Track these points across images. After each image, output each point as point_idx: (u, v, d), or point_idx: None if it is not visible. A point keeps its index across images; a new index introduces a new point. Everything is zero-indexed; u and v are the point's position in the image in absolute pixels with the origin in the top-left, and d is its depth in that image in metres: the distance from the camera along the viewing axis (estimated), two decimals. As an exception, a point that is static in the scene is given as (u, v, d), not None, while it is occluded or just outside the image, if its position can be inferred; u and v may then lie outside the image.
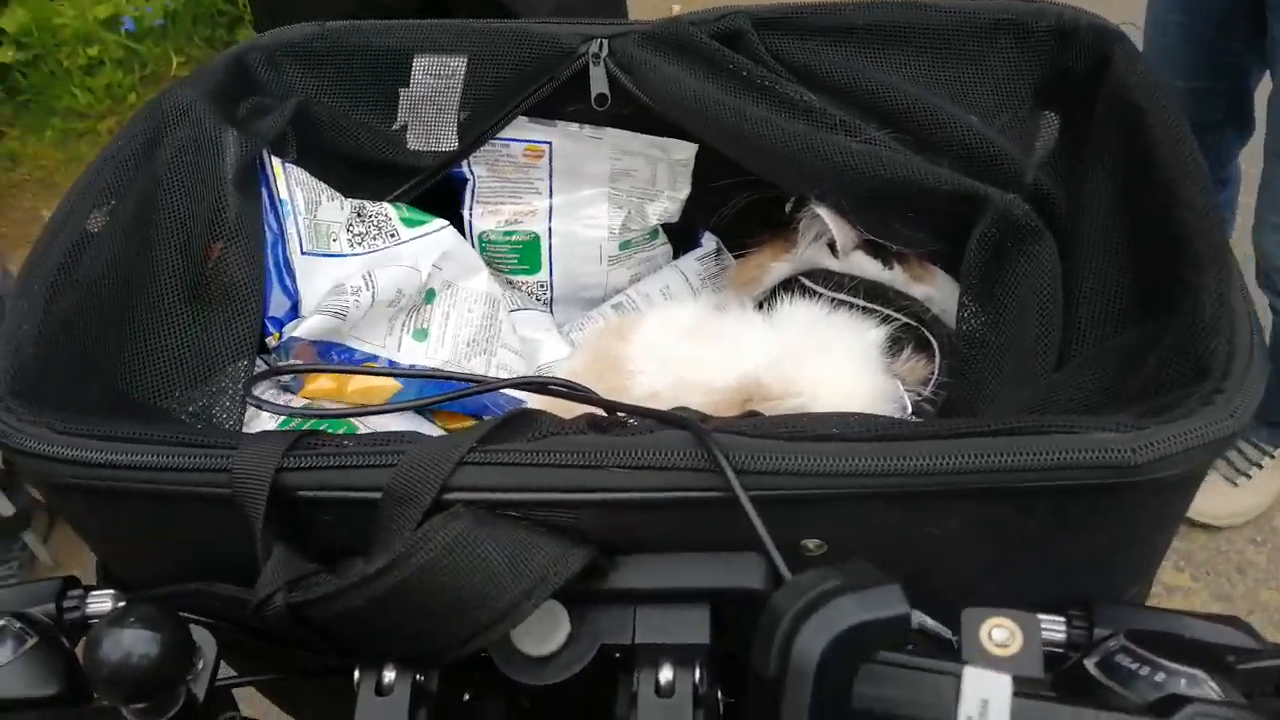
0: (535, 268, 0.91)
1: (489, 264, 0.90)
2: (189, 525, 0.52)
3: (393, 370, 0.71)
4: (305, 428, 0.56)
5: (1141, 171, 0.63)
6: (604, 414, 0.54)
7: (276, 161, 0.75)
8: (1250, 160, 1.46)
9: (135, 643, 0.42)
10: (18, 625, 0.49)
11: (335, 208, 0.77)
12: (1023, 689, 0.36)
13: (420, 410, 0.76)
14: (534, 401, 0.70)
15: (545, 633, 0.50)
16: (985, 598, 0.50)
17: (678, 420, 0.50)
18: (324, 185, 0.78)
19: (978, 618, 0.45)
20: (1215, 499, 1.57)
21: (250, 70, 0.78)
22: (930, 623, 0.47)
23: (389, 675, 0.49)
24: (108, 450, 0.50)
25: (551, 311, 0.93)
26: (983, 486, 0.47)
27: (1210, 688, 0.44)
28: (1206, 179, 0.59)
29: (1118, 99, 0.67)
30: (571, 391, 0.56)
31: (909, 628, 0.35)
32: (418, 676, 0.49)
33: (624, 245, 0.91)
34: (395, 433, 0.52)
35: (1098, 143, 0.68)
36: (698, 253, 0.95)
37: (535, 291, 0.92)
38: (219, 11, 3.26)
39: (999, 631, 0.45)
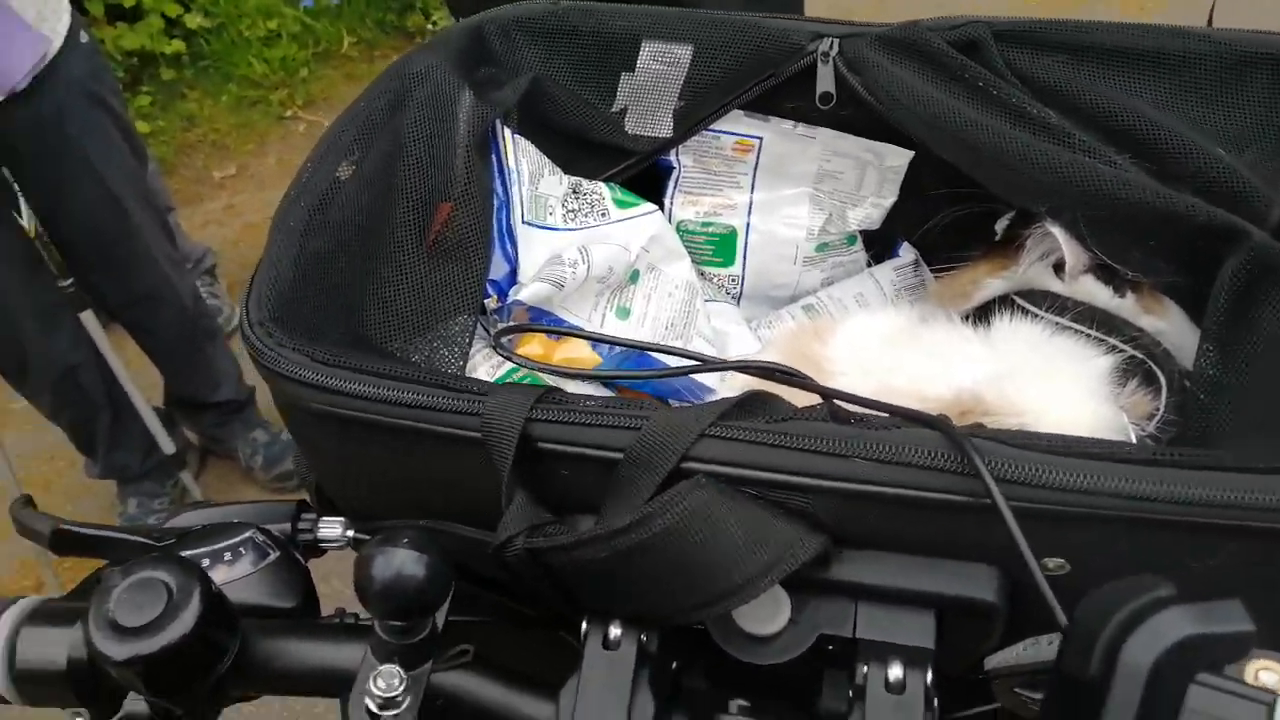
0: (729, 261, 0.90)
1: (684, 252, 0.90)
2: (430, 464, 0.53)
3: (618, 339, 0.72)
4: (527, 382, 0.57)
5: None
6: (844, 406, 0.54)
7: (507, 131, 0.77)
8: None
9: (406, 562, 0.44)
10: (261, 538, 0.51)
11: (555, 182, 0.79)
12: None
13: (609, 386, 0.77)
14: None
15: (768, 614, 0.50)
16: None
17: (927, 419, 0.49)
18: (545, 158, 0.79)
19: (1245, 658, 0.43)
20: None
21: (486, 40, 0.81)
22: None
23: (615, 631, 0.49)
24: (366, 383, 0.51)
25: (739, 305, 0.92)
26: (1256, 525, 0.44)
27: None
28: None
29: None
30: (797, 379, 0.55)
31: (1253, 644, 0.33)
32: (642, 636, 0.49)
33: (820, 247, 0.90)
34: (629, 399, 0.52)
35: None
36: (895, 262, 0.93)
37: (726, 285, 0.91)
38: (393, -5, 3.38)
39: (1266, 675, 0.43)
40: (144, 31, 3.05)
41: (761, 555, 0.46)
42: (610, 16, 0.82)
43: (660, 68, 0.82)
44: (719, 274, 0.91)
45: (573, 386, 0.73)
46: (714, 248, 0.90)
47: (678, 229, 0.90)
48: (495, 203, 0.74)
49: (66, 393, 1.71)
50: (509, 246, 0.73)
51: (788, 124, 0.85)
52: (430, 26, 3.31)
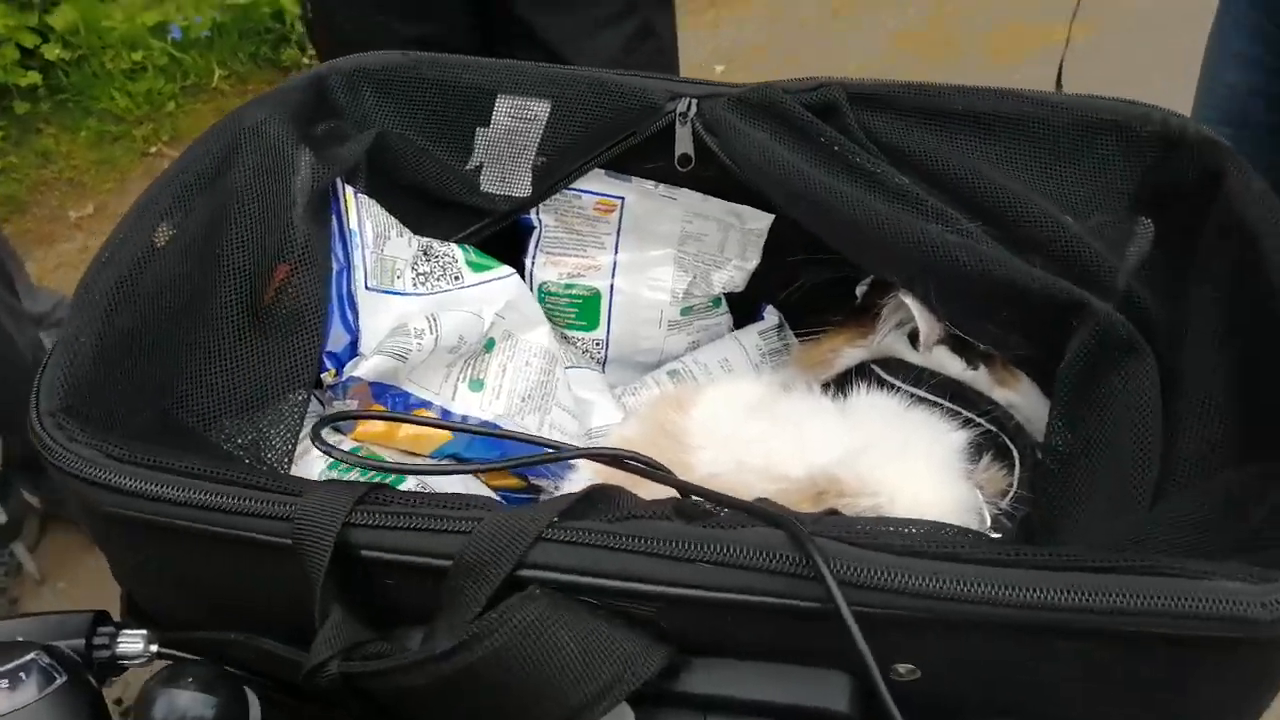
0: (593, 324, 0.88)
1: (547, 316, 0.87)
2: (238, 571, 0.48)
3: (464, 426, 0.68)
4: (363, 478, 0.53)
5: (1254, 298, 0.60)
6: (682, 496, 0.51)
7: (349, 190, 0.72)
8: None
9: (191, 707, 0.39)
10: (46, 660, 0.45)
11: (403, 244, 0.75)
12: None
13: (461, 461, 0.73)
14: (591, 474, 0.67)
15: (608, 733, 0.46)
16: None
17: (773, 517, 0.46)
18: (393, 219, 0.75)
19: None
20: None
21: (329, 92, 0.76)
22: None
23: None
24: (164, 483, 0.46)
25: (604, 371, 0.89)
26: (1094, 627, 0.43)
27: None
28: None
29: (1229, 218, 0.64)
30: (648, 469, 0.53)
31: None
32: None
33: (685, 310, 0.89)
34: (462, 495, 0.49)
35: (1205, 261, 0.66)
36: (759, 326, 0.92)
37: (590, 349, 0.89)
38: (266, 29, 3.28)
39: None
40: (-3, 63, 2.87)
41: (601, 674, 0.43)
42: (464, 69, 0.79)
43: (516, 123, 0.79)
44: (583, 338, 0.89)
45: (418, 464, 0.69)
46: (577, 310, 0.88)
47: (540, 291, 0.87)
48: (335, 267, 0.69)
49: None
50: (349, 315, 0.69)
51: (649, 184, 0.83)
52: (306, 61, 3.22)
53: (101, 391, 0.53)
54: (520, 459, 0.53)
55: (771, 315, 0.93)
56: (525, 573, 0.45)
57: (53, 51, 3.00)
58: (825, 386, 0.77)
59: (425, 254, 0.76)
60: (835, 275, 0.84)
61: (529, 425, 0.75)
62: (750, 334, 0.92)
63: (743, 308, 0.94)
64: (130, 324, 0.57)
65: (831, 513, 0.59)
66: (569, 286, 0.87)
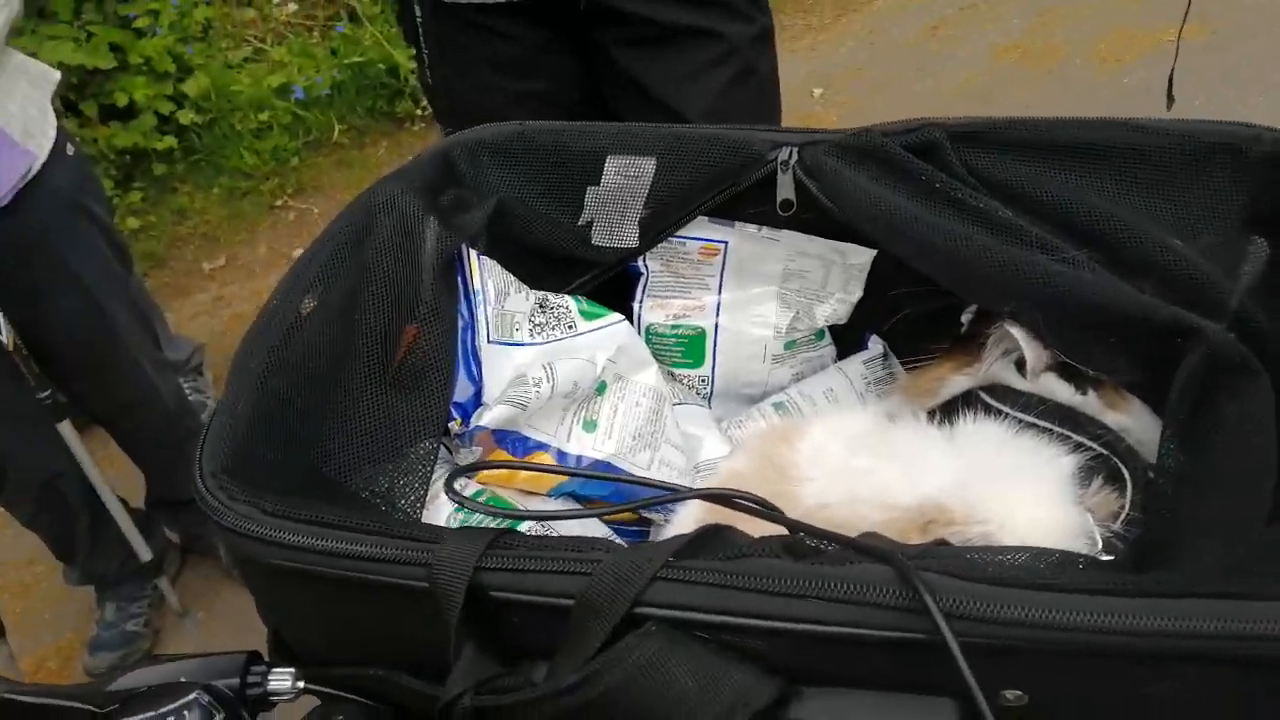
0: (699, 362, 0.91)
1: (654, 356, 0.91)
2: (379, 613, 0.53)
3: (577, 470, 0.72)
4: (489, 524, 0.57)
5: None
6: (790, 533, 0.53)
7: (473, 253, 0.78)
8: None
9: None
10: (206, 699, 0.50)
11: (521, 299, 0.79)
12: None
13: (579, 499, 0.77)
14: (700, 508, 0.70)
15: (725, 764, 0.48)
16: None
17: (879, 553, 0.48)
18: (512, 276, 0.80)
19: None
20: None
21: (454, 165, 0.82)
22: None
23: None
24: (314, 535, 0.51)
25: (710, 406, 0.92)
26: (1207, 652, 0.44)
27: None
28: None
29: None
30: (759, 509, 0.55)
31: None
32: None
33: (789, 345, 0.91)
34: (587, 539, 0.52)
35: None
36: (863, 355, 0.93)
37: (696, 385, 0.92)
38: (381, 84, 3.44)
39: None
40: (136, 130, 3.10)
41: (716, 705, 0.46)
42: (575, 135, 0.83)
43: (625, 181, 0.83)
44: (689, 375, 0.92)
45: (537, 503, 0.73)
46: (683, 349, 0.91)
47: (647, 332, 0.90)
48: (460, 325, 0.74)
49: (45, 500, 1.70)
50: (474, 368, 0.74)
51: (752, 228, 0.86)
52: (419, 112, 3.36)
53: (257, 452, 0.58)
54: (638, 502, 0.56)
55: (876, 345, 0.94)
56: (642, 610, 0.48)
57: (187, 116, 3.23)
58: (931, 415, 0.78)
59: (541, 306, 0.80)
60: (939, 305, 0.85)
61: (640, 461, 0.78)
62: (855, 364, 0.93)
63: (847, 338, 0.95)
64: (281, 388, 0.63)
65: (940, 543, 0.60)
66: (675, 327, 0.90)
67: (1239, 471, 0.61)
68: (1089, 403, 0.72)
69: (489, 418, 0.71)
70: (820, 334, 0.93)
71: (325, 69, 3.43)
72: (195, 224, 3.08)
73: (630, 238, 0.84)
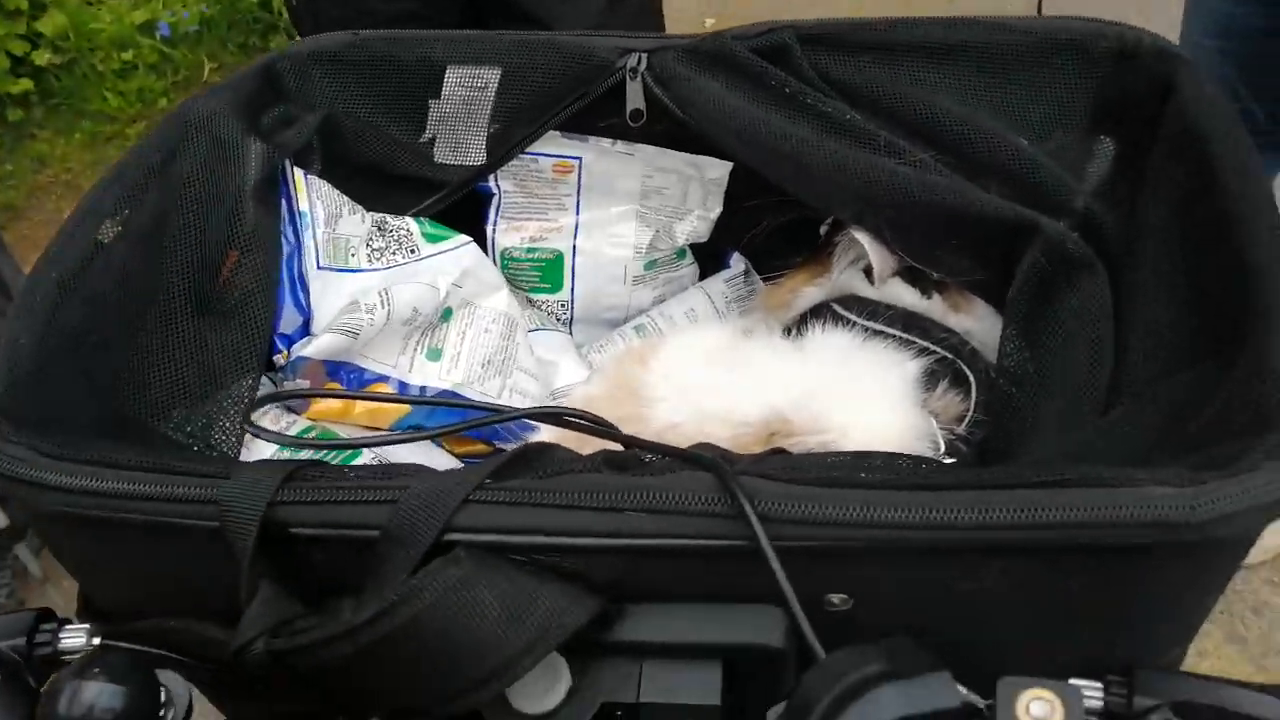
0: (557, 286, 0.88)
1: (509, 281, 0.87)
2: (176, 557, 0.49)
3: (400, 397, 0.69)
4: (311, 450, 0.53)
5: (1205, 204, 0.59)
6: (621, 448, 0.51)
7: (298, 172, 0.73)
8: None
9: (98, 696, 0.40)
10: (-15, 659, 0.46)
11: (356, 221, 0.75)
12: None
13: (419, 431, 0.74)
14: (550, 433, 0.67)
15: (543, 688, 0.47)
16: (1020, 659, 0.47)
17: (701, 460, 0.47)
18: (346, 198, 0.75)
19: (1014, 688, 0.41)
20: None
21: (279, 79, 0.76)
22: (961, 690, 0.44)
23: (376, 731, 0.46)
24: (92, 476, 0.47)
25: (571, 332, 0.90)
26: (1023, 542, 0.43)
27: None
28: (1275, 214, 0.55)
29: (1181, 126, 0.63)
30: (589, 424, 0.53)
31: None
32: (408, 732, 0.46)
33: (649, 265, 0.88)
34: (398, 465, 0.49)
35: (1158, 171, 0.64)
36: (725, 274, 0.92)
37: (555, 310, 0.89)
38: (254, 19, 3.27)
39: (1038, 705, 0.41)
40: (-14, 73, 2.89)
41: (524, 630, 0.44)
42: (411, 44, 0.78)
43: (467, 93, 0.79)
44: (548, 300, 0.89)
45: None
46: (541, 274, 0.87)
47: (502, 257, 0.86)
48: (285, 250, 0.70)
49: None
50: (301, 296, 0.69)
51: (606, 142, 0.83)
52: (295, 47, 3.21)
53: (42, 391, 0.53)
54: (457, 425, 0.53)
55: (738, 262, 0.92)
56: (455, 536, 0.45)
57: (43, 57, 3.02)
58: (788, 329, 0.77)
59: (379, 229, 0.76)
60: (799, 217, 0.83)
61: (490, 390, 0.75)
62: (716, 282, 0.91)
63: (711, 258, 0.93)
64: (74, 321, 0.57)
65: (776, 451, 0.59)
66: (531, 250, 0.86)
67: (1076, 365, 0.61)
68: (934, 307, 0.72)
69: (313, 347, 0.66)
70: (681, 253, 0.90)
71: (192, 3, 3.25)
72: (56, 172, 2.90)
73: (477, 154, 0.80)
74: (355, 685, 0.45)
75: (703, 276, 0.93)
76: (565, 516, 0.45)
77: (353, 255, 0.74)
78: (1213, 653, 1.44)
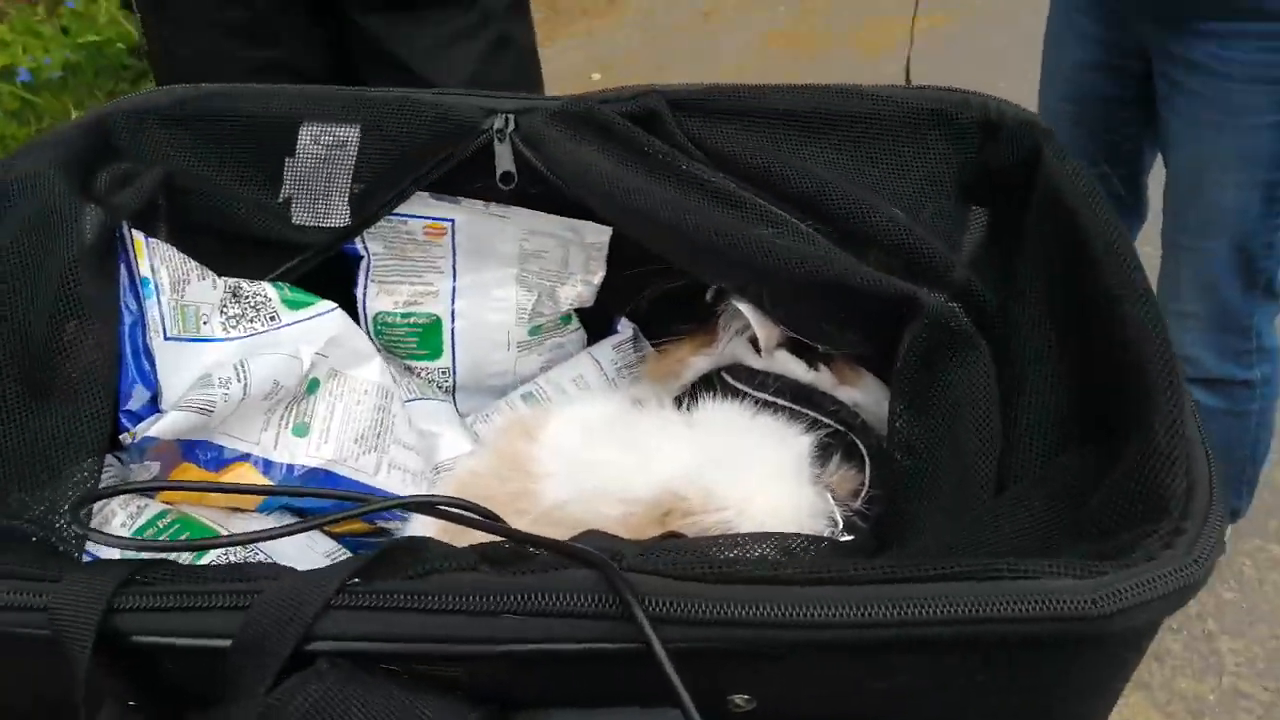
0: (436, 353, 0.84)
1: (386, 349, 0.83)
2: (14, 668, 0.43)
3: (258, 488, 0.63)
4: (155, 552, 0.48)
5: (1079, 279, 0.60)
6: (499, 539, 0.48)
7: (138, 235, 0.67)
8: (1144, 240, 1.48)
9: None
10: None
11: (207, 287, 0.69)
12: None
13: (298, 514, 0.68)
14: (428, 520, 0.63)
15: (427, 808, 0.42)
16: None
17: (585, 556, 0.43)
18: (193, 262, 0.70)
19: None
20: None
21: (112, 135, 0.71)
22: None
23: None
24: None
25: (455, 401, 0.85)
26: (933, 638, 0.41)
27: None
28: (1148, 288, 0.56)
29: (1049, 199, 0.64)
30: (466, 515, 0.49)
31: None
32: None
33: (534, 330, 0.85)
34: (254, 565, 0.44)
35: (1031, 245, 0.65)
36: (614, 340, 0.89)
37: (436, 379, 0.84)
38: (123, 66, 3.14)
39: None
40: None
41: (399, 749, 0.39)
42: (258, 98, 0.74)
43: (324, 151, 0.75)
44: (428, 368, 0.84)
45: (241, 524, 0.64)
46: (418, 340, 0.83)
47: (375, 322, 0.82)
48: (126, 320, 0.64)
49: None
50: (148, 369, 0.63)
51: (479, 204, 0.80)
52: (164, 94, 3.09)
53: None
54: (320, 519, 0.49)
55: (625, 328, 0.90)
56: (318, 645, 0.41)
57: (-102, 104, 2.83)
58: (679, 400, 0.75)
59: (234, 296, 0.71)
60: (685, 283, 0.82)
61: (366, 466, 0.70)
62: (604, 349, 0.89)
63: (598, 323, 0.91)
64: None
65: (671, 535, 0.56)
66: (407, 315, 0.82)
67: (965, 441, 0.61)
68: (822, 379, 0.71)
69: (160, 426, 0.61)
70: (567, 318, 0.88)
71: (55, 48, 3.10)
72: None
73: (339, 216, 0.76)
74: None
75: (591, 342, 0.90)
76: (438, 622, 0.41)
77: (205, 324, 0.68)
78: (1120, 701, 1.47)
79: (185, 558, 0.57)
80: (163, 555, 0.45)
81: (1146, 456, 0.47)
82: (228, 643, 0.41)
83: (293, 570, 0.43)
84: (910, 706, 0.45)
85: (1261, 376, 1.37)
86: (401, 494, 0.71)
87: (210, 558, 0.56)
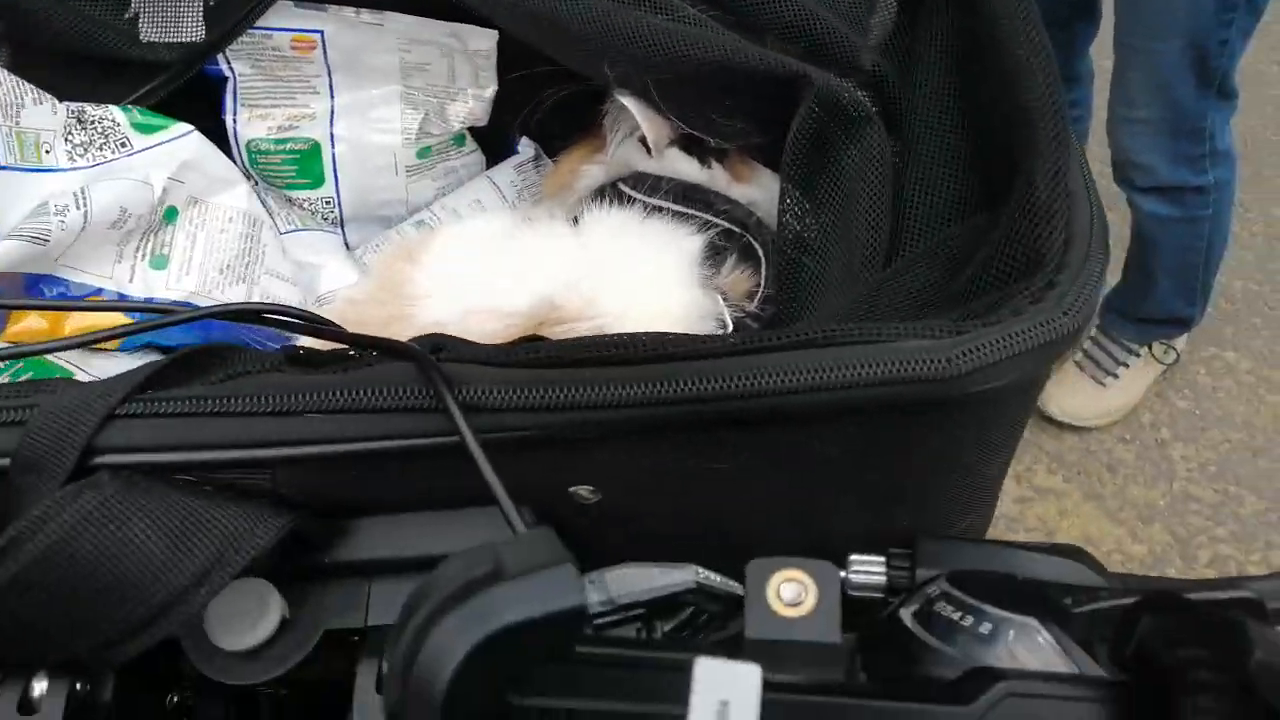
0: (318, 181, 0.78)
1: (263, 179, 0.77)
2: None
3: (66, 304, 0.59)
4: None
5: (979, 50, 0.54)
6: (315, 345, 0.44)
7: (-42, 56, 0.61)
8: (1103, 54, 1.41)
9: None
10: None
11: (45, 112, 0.63)
12: (780, 680, 0.27)
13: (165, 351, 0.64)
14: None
15: (249, 621, 0.40)
16: (791, 541, 0.42)
17: (399, 348, 0.40)
18: (29, 86, 0.64)
19: (764, 571, 0.36)
20: (1083, 400, 1.56)
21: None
22: (715, 578, 0.39)
23: (39, 686, 0.38)
24: None
25: (343, 232, 0.81)
26: (769, 411, 0.38)
27: (1042, 637, 0.37)
28: (1050, 58, 0.50)
29: None
30: (284, 320, 0.45)
31: (584, 621, 0.26)
32: (78, 685, 0.39)
33: (422, 153, 0.79)
34: (41, 381, 0.40)
35: (931, 18, 0.59)
36: (514, 160, 0.84)
37: (320, 209, 0.79)
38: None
39: (789, 588, 0.37)
40: None
41: (193, 559, 0.36)
42: None
43: (170, -43, 0.68)
44: (310, 197, 0.79)
45: (100, 364, 0.61)
46: (297, 168, 0.78)
47: (249, 150, 0.76)
48: (-49, 148, 0.59)
49: None
50: (-23, 201, 0.58)
51: (349, 11, 0.73)
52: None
53: None
54: (127, 327, 0.45)
55: (527, 147, 0.84)
56: (104, 460, 0.38)
57: None
58: (576, 215, 0.70)
59: (79, 121, 0.65)
60: (582, 88, 0.76)
61: (234, 297, 0.66)
62: (504, 170, 0.83)
63: (497, 144, 0.85)
64: None
65: (530, 339, 0.53)
66: (282, 142, 0.77)
67: (856, 224, 0.56)
68: (716, 177, 0.66)
69: (-14, 257, 0.56)
70: (460, 139, 0.82)
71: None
72: None
73: (193, 30, 0.69)
74: (12, 634, 0.37)
75: (491, 165, 0.85)
76: (236, 425, 0.38)
77: (47, 152, 0.63)
78: (1072, 511, 1.49)
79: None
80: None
81: (1024, 212, 0.43)
82: (6, 461, 0.37)
83: (75, 382, 0.40)
84: (760, 488, 0.42)
85: (1216, 181, 1.33)
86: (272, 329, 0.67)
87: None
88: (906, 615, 0.39)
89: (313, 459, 0.38)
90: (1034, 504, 1.54)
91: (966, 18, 0.56)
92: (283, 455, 0.38)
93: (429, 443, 0.38)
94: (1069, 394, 1.56)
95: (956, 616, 0.38)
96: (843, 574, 0.41)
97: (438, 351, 0.40)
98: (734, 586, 0.40)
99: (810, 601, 0.37)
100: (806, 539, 0.43)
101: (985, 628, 0.37)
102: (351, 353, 0.42)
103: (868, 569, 0.42)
